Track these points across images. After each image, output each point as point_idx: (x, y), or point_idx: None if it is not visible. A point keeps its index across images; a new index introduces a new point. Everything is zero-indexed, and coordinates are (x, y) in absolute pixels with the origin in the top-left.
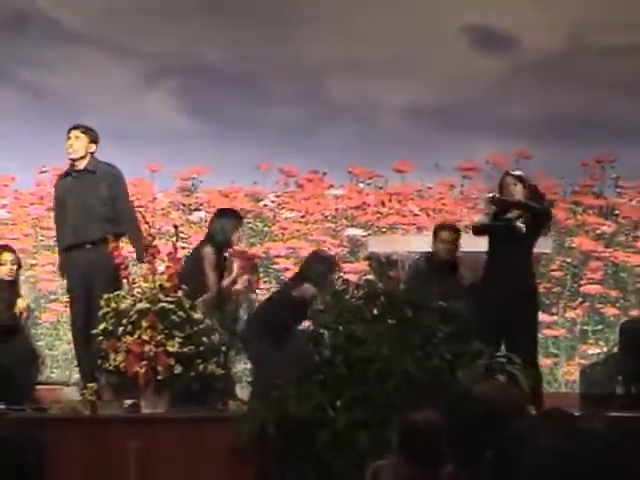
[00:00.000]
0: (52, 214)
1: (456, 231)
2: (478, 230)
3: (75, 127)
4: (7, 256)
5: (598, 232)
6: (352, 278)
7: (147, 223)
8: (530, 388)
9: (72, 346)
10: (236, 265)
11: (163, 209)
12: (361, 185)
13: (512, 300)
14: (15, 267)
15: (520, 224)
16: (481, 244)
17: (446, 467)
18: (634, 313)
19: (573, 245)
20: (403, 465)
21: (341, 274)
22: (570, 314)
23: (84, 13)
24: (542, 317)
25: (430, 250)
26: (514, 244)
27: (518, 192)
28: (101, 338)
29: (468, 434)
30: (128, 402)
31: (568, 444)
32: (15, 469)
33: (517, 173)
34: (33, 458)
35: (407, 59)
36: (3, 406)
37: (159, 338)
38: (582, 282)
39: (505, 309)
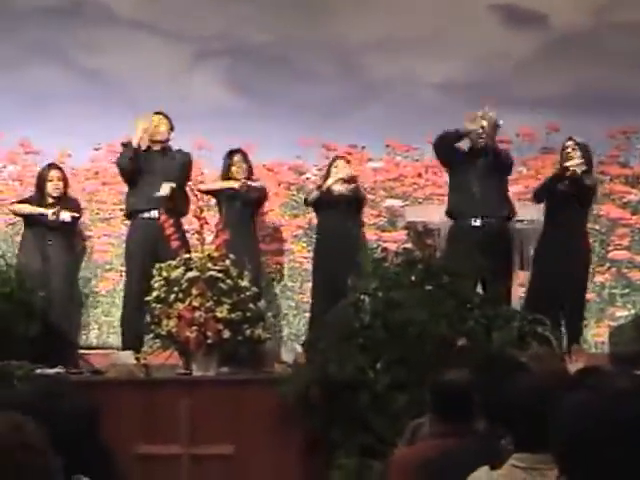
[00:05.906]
0: (106, 188)
1: None
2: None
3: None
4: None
5: (624, 200)
6: (391, 247)
7: (196, 196)
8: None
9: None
10: None
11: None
12: (398, 158)
13: (569, 266)
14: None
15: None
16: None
17: (478, 424)
18: None
19: (601, 213)
20: (436, 422)
21: (380, 243)
22: (599, 279)
23: None
24: None
25: None
26: (570, 211)
27: (577, 157)
28: (154, 305)
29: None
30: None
31: (606, 401)
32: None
33: (579, 140)
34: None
35: (440, 38)
36: (61, 370)
37: (208, 305)
38: (610, 248)
39: (563, 276)
